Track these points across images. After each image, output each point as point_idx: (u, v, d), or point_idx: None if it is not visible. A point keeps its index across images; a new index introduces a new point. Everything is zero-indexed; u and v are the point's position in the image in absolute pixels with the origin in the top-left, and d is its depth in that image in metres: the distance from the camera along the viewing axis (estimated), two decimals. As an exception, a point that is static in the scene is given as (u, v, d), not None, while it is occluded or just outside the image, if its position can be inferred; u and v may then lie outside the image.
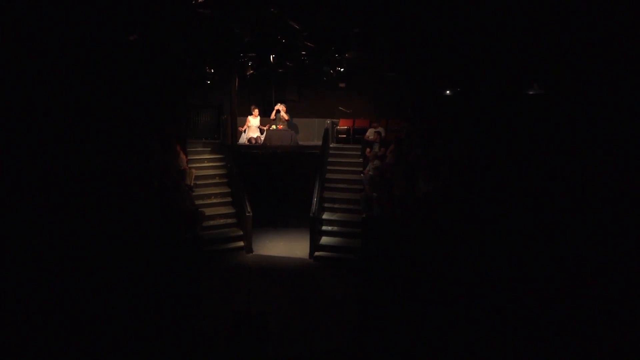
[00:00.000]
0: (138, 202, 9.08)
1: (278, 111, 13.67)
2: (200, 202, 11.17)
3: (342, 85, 12.95)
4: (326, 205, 11.44)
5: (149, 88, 12.15)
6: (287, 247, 11.05)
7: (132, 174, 9.69)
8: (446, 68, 11.75)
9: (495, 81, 11.23)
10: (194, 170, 11.48)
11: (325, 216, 11.14)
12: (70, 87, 9.90)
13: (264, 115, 14.01)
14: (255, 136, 13.37)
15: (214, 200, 11.72)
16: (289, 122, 13.72)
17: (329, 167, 12.48)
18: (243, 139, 13.51)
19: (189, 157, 11.91)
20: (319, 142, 13.07)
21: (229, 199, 11.90)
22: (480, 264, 8.05)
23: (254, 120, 13.49)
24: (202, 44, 10.85)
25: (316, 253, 10.27)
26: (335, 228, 10.89)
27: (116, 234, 8.22)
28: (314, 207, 10.44)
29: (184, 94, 13.33)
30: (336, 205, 11.45)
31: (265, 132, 13.38)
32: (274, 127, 13.64)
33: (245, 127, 13.46)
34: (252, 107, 13.53)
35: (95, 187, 8.83)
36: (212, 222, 11.03)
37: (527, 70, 10.47)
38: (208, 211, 10.93)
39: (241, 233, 10.87)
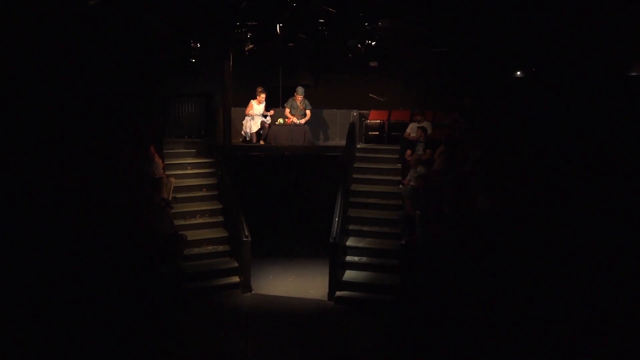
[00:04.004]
0: (99, 223, 9.12)
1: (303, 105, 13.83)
2: (182, 222, 11.24)
3: (373, 64, 13.00)
4: (351, 227, 11.42)
5: (115, 71, 12.24)
6: (298, 284, 11.07)
7: (91, 186, 9.73)
8: (516, 40, 11.61)
9: (583, 59, 11.07)
10: (172, 180, 11.54)
11: (350, 242, 11.11)
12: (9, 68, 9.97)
13: (269, 104, 14.15)
14: (255, 130, 13.36)
15: (200, 220, 11.78)
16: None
17: (355, 176, 12.50)
18: (247, 128, 13.43)
19: (166, 162, 12.01)
20: (342, 142, 13.19)
21: (219, 219, 11.95)
22: (561, 306, 7.93)
23: (257, 107, 13.48)
24: (185, 11, 10.91)
25: (338, 293, 10.23)
26: (363, 259, 10.84)
27: (71, 265, 8.25)
28: (334, 230, 10.39)
29: (161, 79, 13.43)
30: (365, 228, 11.41)
31: (267, 118, 13.34)
32: (280, 120, 13.67)
33: (248, 110, 13.43)
34: (259, 89, 13.58)
35: (43, 202, 8.89)
36: (196, 250, 11.03)
37: (628, 43, 10.32)
38: (191, 235, 10.94)
39: (236, 265, 10.85)
